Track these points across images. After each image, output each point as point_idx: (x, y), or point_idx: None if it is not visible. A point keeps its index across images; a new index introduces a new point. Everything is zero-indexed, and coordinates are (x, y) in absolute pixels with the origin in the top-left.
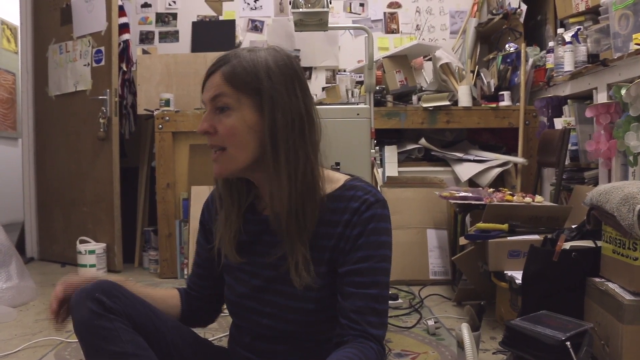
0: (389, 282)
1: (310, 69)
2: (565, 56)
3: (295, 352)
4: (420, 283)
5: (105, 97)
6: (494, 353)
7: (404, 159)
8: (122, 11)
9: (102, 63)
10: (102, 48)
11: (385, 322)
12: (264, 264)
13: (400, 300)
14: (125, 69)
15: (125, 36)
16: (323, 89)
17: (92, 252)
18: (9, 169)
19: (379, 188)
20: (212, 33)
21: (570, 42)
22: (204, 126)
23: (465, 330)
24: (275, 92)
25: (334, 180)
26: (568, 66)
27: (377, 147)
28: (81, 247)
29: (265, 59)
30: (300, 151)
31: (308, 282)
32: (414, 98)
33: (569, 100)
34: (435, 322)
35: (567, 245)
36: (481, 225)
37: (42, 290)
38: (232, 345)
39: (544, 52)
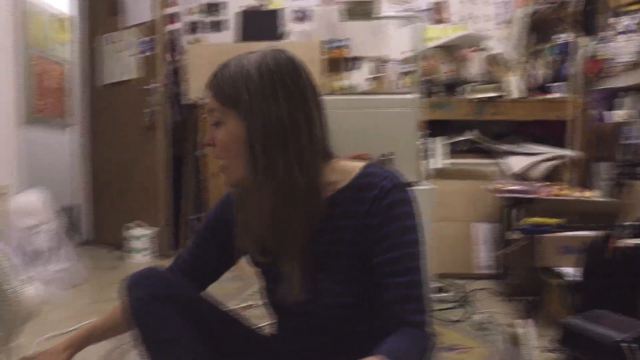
0: (423, 265)
1: (356, 59)
2: (621, 46)
3: (338, 343)
4: (467, 277)
5: (152, 86)
6: (546, 351)
7: (451, 151)
8: (171, 1)
9: (149, 53)
10: (149, 38)
11: (425, 307)
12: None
13: (446, 294)
14: (172, 58)
15: (174, 26)
16: (369, 79)
17: (141, 237)
18: (58, 156)
19: (424, 180)
20: (259, 23)
21: (625, 32)
22: (206, 139)
23: (524, 327)
24: (253, 102)
25: (348, 170)
26: (624, 57)
27: (424, 139)
28: (131, 233)
29: (247, 67)
30: (280, 160)
31: (303, 298)
32: (461, 89)
33: (626, 93)
34: (483, 317)
35: (623, 243)
36: (531, 219)
37: (93, 273)
38: (276, 336)
39: (596, 42)
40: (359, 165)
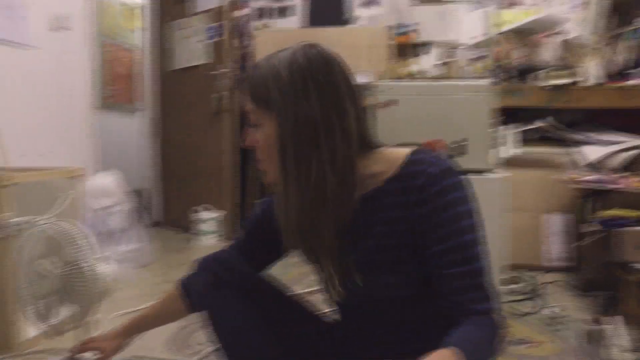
0: (483, 251)
1: (426, 44)
2: None
3: (398, 335)
4: (538, 269)
5: (220, 71)
6: (626, 350)
7: (523, 139)
8: None
9: (217, 39)
10: (217, 24)
11: (490, 294)
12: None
13: (516, 286)
14: (241, 44)
15: (243, 12)
16: (438, 65)
17: (209, 220)
18: (133, 140)
19: (493, 169)
20: (326, 8)
21: None
22: (247, 142)
23: (606, 325)
24: (283, 102)
25: (394, 159)
26: None
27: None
28: (199, 215)
29: (278, 66)
30: (313, 161)
31: (342, 296)
32: (534, 76)
33: None
34: (555, 311)
35: None
36: (608, 212)
37: (162, 254)
38: (340, 324)
39: None
40: (404, 152)
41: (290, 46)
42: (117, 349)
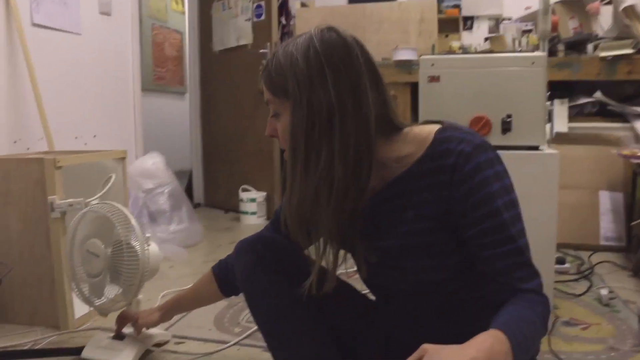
0: (524, 227)
1: (472, 18)
2: None
3: (439, 316)
4: (589, 248)
5: (266, 50)
6: None
7: (575, 114)
8: None
9: (263, 17)
10: (262, 3)
11: (536, 271)
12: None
13: (567, 265)
14: (284, 22)
15: None
16: (486, 39)
17: (252, 200)
18: (178, 122)
19: (546, 145)
20: None
21: None
22: (268, 131)
23: None
24: (299, 91)
25: (422, 139)
26: None
27: (548, 101)
28: (243, 195)
29: (294, 53)
30: (323, 151)
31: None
32: (589, 47)
33: None
34: (609, 292)
35: None
36: None
37: (208, 234)
38: (379, 308)
39: None
40: (432, 130)
41: (308, 31)
42: (153, 322)
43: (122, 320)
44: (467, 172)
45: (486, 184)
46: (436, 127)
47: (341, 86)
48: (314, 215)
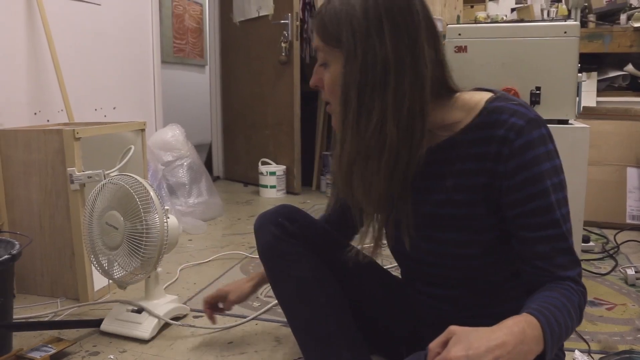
0: (569, 212)
1: None
2: None
3: (468, 295)
4: (615, 227)
5: (287, 21)
6: None
7: (605, 88)
8: None
9: None
10: None
11: (577, 259)
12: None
13: (592, 244)
14: None
15: None
16: (513, 9)
17: (272, 173)
18: (198, 94)
19: (573, 120)
20: None
21: None
22: (312, 81)
23: None
24: (354, 41)
25: (471, 106)
26: None
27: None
28: (262, 169)
29: (353, 3)
30: (375, 107)
31: (411, 243)
32: (623, 17)
33: None
34: (635, 272)
35: None
36: None
37: (227, 207)
38: (405, 285)
39: None
40: (483, 98)
41: None
42: (245, 295)
43: (210, 303)
44: (517, 147)
45: (537, 162)
46: (487, 95)
47: (399, 41)
48: (363, 177)
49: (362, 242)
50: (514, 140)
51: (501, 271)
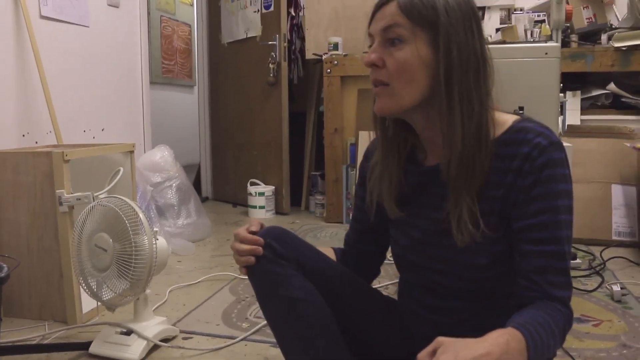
0: (571, 236)
1: (483, 8)
2: None
3: (468, 308)
4: (601, 243)
5: (274, 42)
6: None
7: (588, 106)
8: None
9: (272, 9)
10: None
11: (570, 282)
12: (429, 217)
13: (578, 261)
14: (293, 13)
15: None
16: (497, 30)
17: (261, 194)
18: (186, 115)
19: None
20: None
21: None
22: (372, 57)
23: None
24: (452, 29)
25: (501, 122)
26: None
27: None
28: (251, 189)
29: None
30: (474, 93)
31: (471, 238)
32: (604, 37)
33: None
34: (621, 288)
35: None
36: None
37: (216, 228)
38: (402, 297)
39: None
40: (511, 118)
41: None
42: None
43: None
44: (538, 165)
45: (553, 181)
46: (515, 116)
47: (482, 38)
48: (473, 161)
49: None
50: (537, 158)
51: (503, 288)
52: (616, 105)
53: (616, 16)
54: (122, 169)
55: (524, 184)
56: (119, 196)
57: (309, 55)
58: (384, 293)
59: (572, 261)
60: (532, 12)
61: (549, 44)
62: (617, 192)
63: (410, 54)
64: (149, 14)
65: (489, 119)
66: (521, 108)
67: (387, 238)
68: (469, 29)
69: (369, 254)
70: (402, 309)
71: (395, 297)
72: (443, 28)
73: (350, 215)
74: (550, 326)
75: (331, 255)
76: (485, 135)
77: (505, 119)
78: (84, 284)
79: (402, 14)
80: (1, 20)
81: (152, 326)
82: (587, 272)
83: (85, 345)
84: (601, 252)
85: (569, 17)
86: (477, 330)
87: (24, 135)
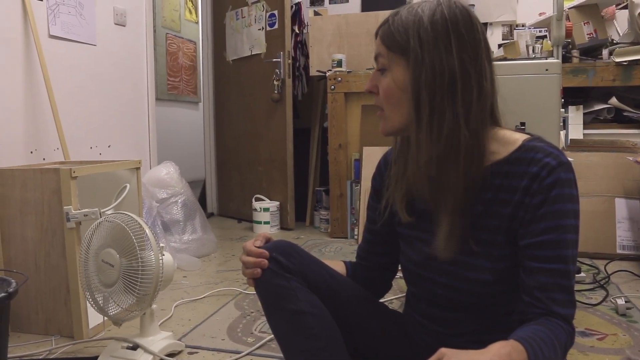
0: (577, 255)
1: (485, 24)
2: None
3: (473, 322)
4: (605, 257)
5: (279, 59)
6: None
7: (591, 121)
8: None
9: (276, 26)
10: (276, 12)
11: (574, 300)
12: (436, 232)
13: (583, 274)
14: (297, 31)
15: None
16: (500, 45)
17: (266, 209)
18: (191, 131)
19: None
20: None
21: None
22: (367, 86)
23: None
24: (421, 50)
25: (511, 141)
26: None
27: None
28: (256, 205)
29: (420, 14)
30: (447, 112)
31: (453, 256)
32: (605, 52)
33: None
34: (626, 302)
35: None
36: None
37: (221, 244)
38: (408, 310)
39: None
40: (521, 137)
41: (431, 0)
42: None
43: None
44: (547, 184)
45: (560, 201)
46: (525, 135)
47: (465, 54)
48: (441, 177)
49: (439, 248)
50: (545, 178)
51: (507, 304)
52: (618, 119)
53: (617, 31)
54: (128, 185)
55: (532, 202)
56: (125, 212)
57: (313, 72)
58: (389, 307)
59: (576, 274)
60: (534, 28)
61: (550, 60)
62: (621, 206)
63: (390, 80)
64: (154, 31)
65: (472, 137)
66: (522, 123)
67: (397, 250)
68: (444, 47)
69: (380, 265)
70: (407, 319)
71: (400, 310)
72: (413, 51)
73: (355, 230)
74: (552, 342)
75: (341, 268)
76: (466, 154)
77: (516, 138)
78: (90, 299)
79: (382, 44)
80: (11, 40)
81: (158, 341)
82: (591, 286)
83: None
84: (605, 266)
85: (569, 33)
86: (480, 342)
87: (31, 152)
